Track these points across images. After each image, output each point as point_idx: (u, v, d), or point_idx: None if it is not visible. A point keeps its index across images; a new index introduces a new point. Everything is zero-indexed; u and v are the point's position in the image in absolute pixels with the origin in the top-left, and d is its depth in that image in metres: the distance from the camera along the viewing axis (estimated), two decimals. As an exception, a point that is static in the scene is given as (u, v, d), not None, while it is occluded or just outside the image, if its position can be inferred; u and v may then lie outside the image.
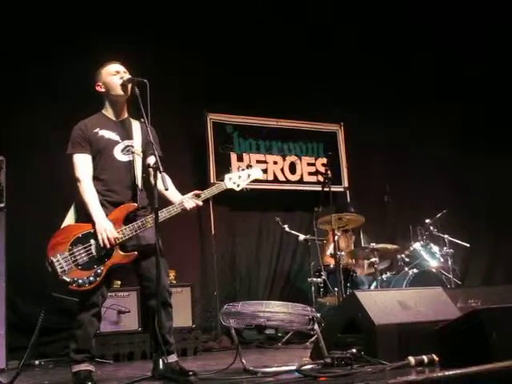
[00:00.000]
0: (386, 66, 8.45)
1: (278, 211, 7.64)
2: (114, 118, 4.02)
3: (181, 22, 7.37)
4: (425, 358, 3.43)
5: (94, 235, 3.73)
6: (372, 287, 6.73)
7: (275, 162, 8.10)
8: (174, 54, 7.32)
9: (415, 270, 6.69)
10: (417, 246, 6.99)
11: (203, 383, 3.60)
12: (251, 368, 3.87)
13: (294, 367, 3.61)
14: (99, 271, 3.71)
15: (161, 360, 3.58)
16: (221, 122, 7.78)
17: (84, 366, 3.74)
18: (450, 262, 6.96)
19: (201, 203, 3.94)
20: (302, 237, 6.95)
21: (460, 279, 7.22)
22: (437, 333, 3.45)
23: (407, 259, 6.97)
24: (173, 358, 3.80)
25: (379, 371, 3.32)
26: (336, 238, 6.63)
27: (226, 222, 7.65)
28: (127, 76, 3.95)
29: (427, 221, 7.09)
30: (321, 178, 6.76)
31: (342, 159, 8.47)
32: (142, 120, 3.80)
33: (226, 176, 4.09)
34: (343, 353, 3.60)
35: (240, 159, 7.72)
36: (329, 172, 6.56)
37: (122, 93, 3.94)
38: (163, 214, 3.79)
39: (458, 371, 2.76)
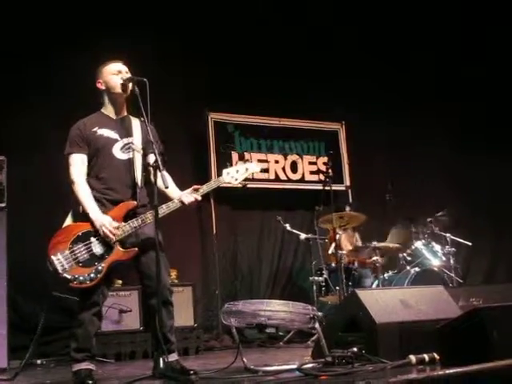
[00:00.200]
0: (387, 66, 8.44)
1: (280, 210, 7.63)
2: (113, 116, 4.02)
3: (182, 21, 7.37)
4: (426, 356, 3.43)
5: (94, 233, 3.74)
6: (374, 286, 6.73)
7: (276, 161, 8.10)
8: (176, 54, 7.32)
9: (417, 269, 6.68)
10: (418, 244, 6.98)
11: (204, 382, 3.59)
12: (252, 367, 3.87)
13: (294, 366, 3.61)
14: (100, 268, 3.71)
15: (161, 359, 3.57)
16: (222, 121, 7.78)
17: (84, 365, 3.74)
18: (451, 261, 6.95)
19: (199, 197, 3.93)
20: (303, 236, 6.94)
21: (462, 278, 7.21)
22: (438, 331, 3.45)
23: (409, 258, 6.96)
24: (173, 357, 3.80)
25: (380, 370, 3.32)
26: (338, 236, 6.62)
27: (228, 221, 7.65)
28: (127, 75, 3.96)
29: (429, 219, 7.08)
30: (322, 177, 6.75)
31: (344, 158, 8.47)
32: (142, 119, 3.81)
33: (224, 171, 4.11)
34: (344, 351, 3.60)
35: (241, 158, 7.71)
36: (330, 171, 6.56)
37: (121, 92, 3.95)
38: (163, 210, 3.79)
39: (459, 370, 2.75)
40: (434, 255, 6.93)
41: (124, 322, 5.87)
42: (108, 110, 4.03)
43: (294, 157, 8.21)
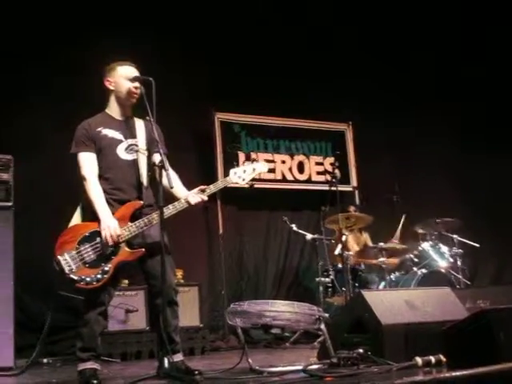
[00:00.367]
0: (390, 67, 8.42)
1: (286, 210, 7.62)
2: (117, 117, 4.01)
3: (184, 21, 7.36)
4: (432, 358, 3.41)
5: (101, 233, 3.74)
6: (380, 287, 6.71)
7: (283, 162, 8.10)
8: (178, 54, 7.30)
9: (424, 270, 6.66)
10: (426, 245, 6.95)
11: (209, 382, 3.59)
12: (257, 367, 3.86)
13: (300, 367, 3.59)
14: (106, 269, 3.71)
15: (166, 359, 3.57)
16: (228, 121, 7.78)
17: (90, 365, 3.74)
18: (459, 262, 6.93)
19: (206, 198, 3.92)
20: (309, 236, 6.92)
21: (469, 279, 7.18)
22: (444, 333, 3.43)
23: (416, 259, 6.94)
24: (178, 357, 3.79)
25: (386, 371, 3.30)
26: (344, 237, 6.61)
27: (234, 222, 7.65)
28: (134, 74, 3.95)
29: (436, 220, 7.05)
30: (329, 178, 6.74)
31: (351, 158, 8.46)
32: (148, 118, 3.80)
33: (231, 171, 4.09)
34: (350, 353, 3.58)
35: (248, 158, 7.67)
36: (336, 171, 6.54)
37: (129, 99, 3.94)
38: (169, 210, 3.78)
39: (466, 372, 2.74)
40: (442, 256, 6.91)
41: (130, 322, 5.87)
42: (113, 111, 4.02)
43: (301, 157, 8.21)
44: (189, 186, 4.04)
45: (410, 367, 3.36)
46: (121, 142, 3.94)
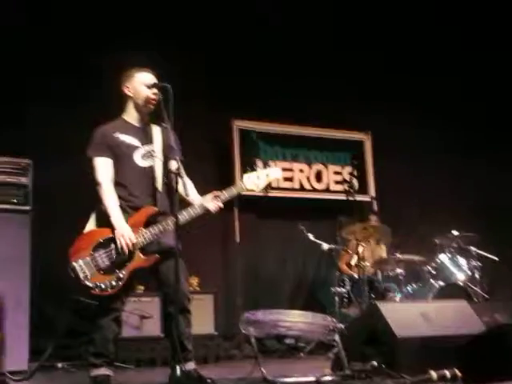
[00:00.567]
0: (412, 77, 8.35)
1: (304, 219, 7.57)
2: (135, 123, 4.03)
3: (205, 31, 7.35)
4: (447, 372, 3.37)
5: (115, 239, 3.74)
6: (396, 299, 6.65)
7: (301, 170, 8.07)
8: (199, 62, 7.31)
9: (441, 283, 6.58)
10: (443, 258, 6.88)
11: (221, 391, 3.58)
12: (270, 377, 3.83)
13: (313, 378, 3.57)
14: (121, 275, 3.72)
15: (178, 367, 3.55)
16: (247, 130, 7.77)
17: (102, 371, 3.75)
18: (477, 275, 6.84)
19: (222, 205, 3.92)
20: (325, 246, 6.88)
21: (487, 293, 7.08)
22: (460, 347, 3.39)
23: (433, 271, 6.87)
24: (191, 366, 3.78)
25: (400, 385, 3.27)
26: (361, 248, 6.56)
27: (251, 230, 7.62)
28: (152, 81, 3.96)
29: (454, 233, 6.98)
30: (346, 187, 6.70)
31: (369, 168, 8.41)
32: (164, 125, 3.80)
33: (245, 176, 4.06)
34: (364, 365, 3.55)
35: (266, 167, 7.66)
36: (353, 181, 6.51)
37: (147, 105, 3.96)
38: (184, 217, 3.77)
39: (480, 387, 2.70)
40: (459, 269, 6.82)
41: (145, 328, 5.87)
42: (130, 117, 4.04)
43: (319, 166, 8.18)
44: (206, 194, 4.04)
45: (425, 381, 3.32)
46: (138, 148, 3.95)
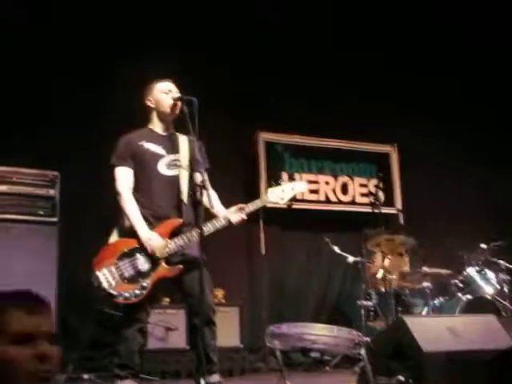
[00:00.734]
0: (438, 90, 8.30)
1: (329, 232, 7.54)
2: (160, 132, 4.07)
3: (231, 43, 7.38)
4: (474, 388, 3.32)
5: (140, 249, 3.77)
6: (423, 312, 6.58)
7: (327, 183, 8.04)
8: (224, 75, 7.32)
9: (469, 296, 6.49)
10: (471, 271, 6.79)
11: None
12: (295, 391, 3.81)
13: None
14: (145, 284, 3.74)
15: (202, 380, 3.55)
16: (272, 142, 7.77)
17: (128, 383, 3.76)
18: (506, 289, 6.73)
19: (245, 217, 3.93)
20: (351, 258, 6.83)
21: (516, 307, 6.97)
22: (487, 362, 3.33)
23: (461, 284, 6.78)
24: (215, 378, 3.77)
25: (426, 400, 3.23)
26: (387, 260, 6.51)
27: (276, 242, 7.61)
28: (177, 94, 4.00)
29: (482, 246, 6.89)
30: (372, 200, 6.66)
31: (395, 180, 8.35)
32: (191, 137, 3.83)
33: (269, 190, 4.09)
34: (390, 379, 3.51)
35: (291, 180, 7.65)
36: (379, 193, 6.47)
37: (170, 111, 3.99)
38: (208, 228, 3.79)
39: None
40: (487, 282, 6.72)
41: (170, 340, 5.87)
42: (155, 126, 4.09)
43: (345, 178, 8.14)
44: (231, 207, 4.05)
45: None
46: (162, 156, 3.98)
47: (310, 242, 7.85)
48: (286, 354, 5.85)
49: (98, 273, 3.72)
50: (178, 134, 4.12)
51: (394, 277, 6.79)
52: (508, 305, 6.59)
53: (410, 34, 8.22)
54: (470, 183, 8.41)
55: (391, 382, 3.47)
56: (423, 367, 3.60)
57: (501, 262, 6.89)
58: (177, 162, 4.00)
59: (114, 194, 3.93)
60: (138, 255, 3.77)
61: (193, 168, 3.97)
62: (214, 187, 4.02)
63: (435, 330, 3.87)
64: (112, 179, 3.96)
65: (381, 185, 6.93)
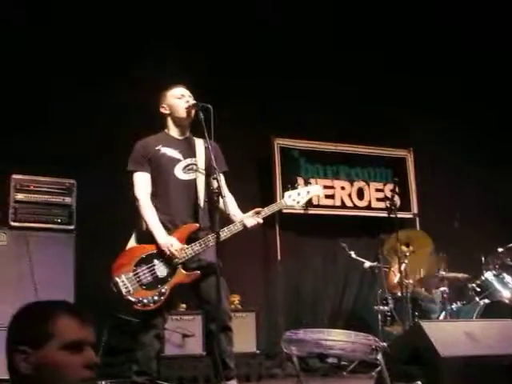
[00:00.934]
0: (453, 94, 8.26)
1: (345, 237, 7.54)
2: (176, 136, 4.10)
3: (244, 50, 7.39)
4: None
5: (158, 255, 3.79)
6: (441, 317, 6.54)
7: (343, 188, 8.03)
8: (238, 82, 7.34)
9: (486, 301, 6.45)
10: (488, 275, 6.74)
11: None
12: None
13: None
14: (163, 290, 3.76)
15: (220, 385, 3.58)
16: (287, 147, 7.77)
17: (145, 390, 3.77)
18: (524, 294, 6.68)
19: (261, 221, 3.95)
20: (367, 264, 6.82)
21: (534, 311, 6.91)
22: (506, 367, 3.31)
23: (478, 289, 6.74)
24: (232, 384, 3.79)
25: (444, 406, 3.21)
26: (403, 265, 6.48)
27: (292, 248, 7.60)
28: (192, 101, 4.02)
29: (500, 249, 6.84)
30: (388, 205, 6.64)
31: (412, 185, 8.32)
32: (206, 145, 3.85)
33: (286, 194, 4.12)
34: (407, 385, 3.51)
35: (307, 184, 7.65)
36: (395, 198, 6.45)
37: (185, 116, 4.02)
38: (224, 233, 3.80)
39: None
40: (505, 287, 6.67)
41: (187, 347, 5.88)
42: (172, 131, 4.12)
43: (361, 183, 8.12)
44: (247, 211, 4.06)
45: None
46: (179, 161, 4.01)
47: (326, 247, 7.84)
48: (302, 360, 5.85)
49: (116, 279, 3.74)
50: (194, 137, 4.14)
51: (411, 281, 6.77)
52: (526, 309, 6.54)
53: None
54: (486, 187, 8.35)
55: (408, 388, 3.46)
56: (440, 372, 3.58)
57: (519, 266, 6.84)
58: (193, 166, 4.02)
59: (133, 200, 3.95)
60: (155, 261, 3.80)
61: (210, 172, 3.98)
62: (230, 192, 4.04)
63: (452, 334, 3.85)
64: (130, 185, 3.99)
65: (397, 189, 6.91)
